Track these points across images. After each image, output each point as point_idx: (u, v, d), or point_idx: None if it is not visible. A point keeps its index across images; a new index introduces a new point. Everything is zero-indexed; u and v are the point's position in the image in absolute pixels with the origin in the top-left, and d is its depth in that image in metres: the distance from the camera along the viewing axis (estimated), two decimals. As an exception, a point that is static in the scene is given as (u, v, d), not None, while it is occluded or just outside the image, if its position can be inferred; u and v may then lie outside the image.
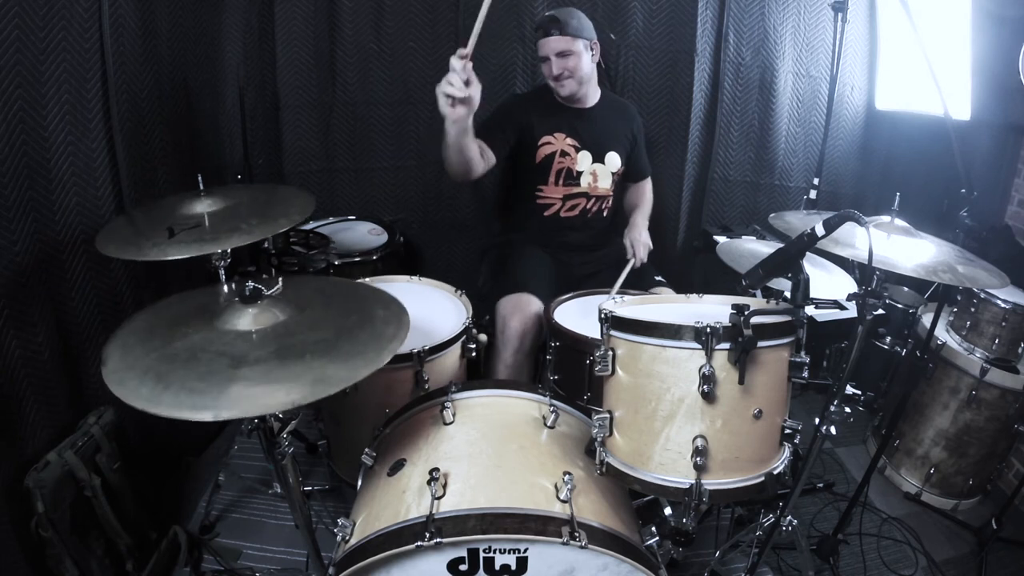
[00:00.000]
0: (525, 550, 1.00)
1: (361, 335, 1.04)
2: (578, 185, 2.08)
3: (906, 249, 1.29)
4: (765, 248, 1.90)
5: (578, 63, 1.94)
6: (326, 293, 1.20)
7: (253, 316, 1.02)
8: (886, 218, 1.39)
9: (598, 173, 2.09)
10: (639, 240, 2.04)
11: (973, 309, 1.91)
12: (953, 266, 1.25)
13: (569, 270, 2.11)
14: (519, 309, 1.82)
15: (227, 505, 1.87)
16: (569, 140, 2.04)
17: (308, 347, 0.98)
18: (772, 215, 1.53)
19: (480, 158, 1.83)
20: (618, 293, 1.82)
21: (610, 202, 2.16)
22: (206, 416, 0.83)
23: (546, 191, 2.08)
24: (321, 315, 1.09)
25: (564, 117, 2.05)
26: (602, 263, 2.14)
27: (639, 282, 1.98)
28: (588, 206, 2.12)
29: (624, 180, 2.24)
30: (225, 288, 1.09)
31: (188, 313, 1.07)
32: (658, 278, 2.04)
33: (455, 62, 1.42)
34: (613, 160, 2.11)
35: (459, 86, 1.42)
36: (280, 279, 1.11)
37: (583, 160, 2.06)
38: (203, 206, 1.43)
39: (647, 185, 2.32)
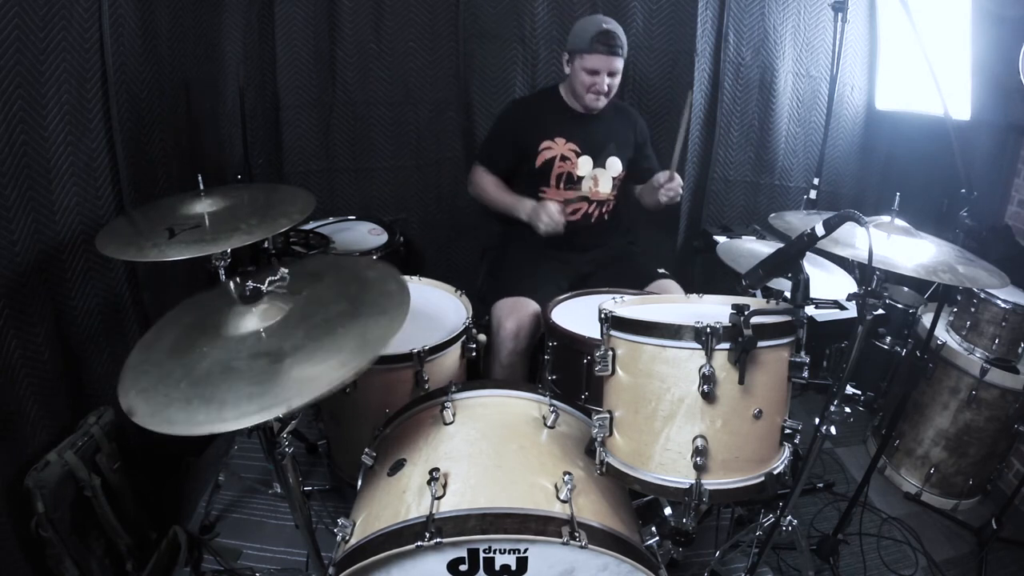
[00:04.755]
0: (525, 550, 1.00)
1: (371, 296, 1.06)
2: (579, 189, 2.08)
3: (906, 249, 1.29)
4: (765, 248, 1.90)
5: (617, 82, 1.97)
6: (312, 272, 1.19)
7: (259, 315, 1.02)
8: (886, 218, 1.39)
9: (599, 178, 2.09)
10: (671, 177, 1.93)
11: (973, 309, 1.91)
12: (953, 266, 1.25)
13: (570, 268, 2.11)
14: (514, 311, 1.82)
15: (227, 505, 1.87)
16: (569, 145, 2.04)
17: (335, 321, 0.99)
18: (772, 215, 1.53)
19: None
20: (617, 294, 1.81)
21: (611, 206, 2.16)
22: (280, 411, 0.84)
23: (548, 193, 2.08)
24: (322, 293, 1.09)
25: (565, 122, 2.05)
26: (603, 263, 2.14)
27: (642, 274, 1.98)
28: (589, 210, 2.12)
29: (634, 182, 2.22)
30: (230, 291, 1.07)
31: (187, 335, 1.04)
32: (661, 271, 2.03)
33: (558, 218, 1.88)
34: (614, 164, 2.11)
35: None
36: (281, 269, 1.09)
37: (584, 165, 2.06)
38: (203, 206, 1.43)
39: None
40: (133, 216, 1.55)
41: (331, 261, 1.35)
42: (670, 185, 1.93)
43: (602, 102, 1.99)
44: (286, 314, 1.02)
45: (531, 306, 1.84)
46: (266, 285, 1.04)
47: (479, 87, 2.54)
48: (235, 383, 0.89)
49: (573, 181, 2.07)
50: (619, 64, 1.94)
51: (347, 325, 0.99)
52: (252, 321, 1.01)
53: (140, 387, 0.94)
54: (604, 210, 2.15)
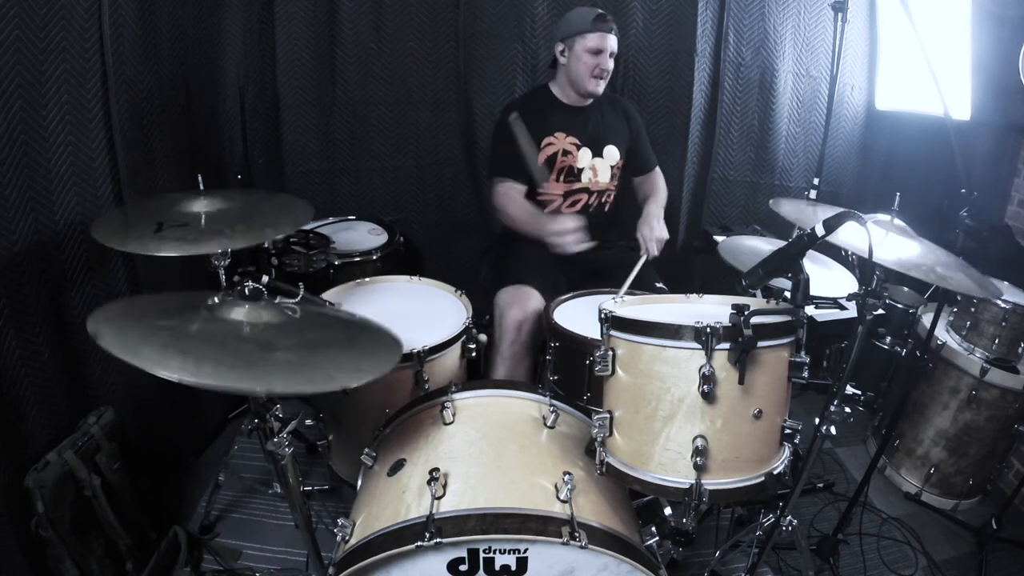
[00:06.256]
0: (525, 550, 0.99)
1: (366, 337, 1.05)
2: (579, 181, 2.09)
3: (896, 247, 1.29)
4: (765, 247, 1.90)
5: (612, 67, 2.00)
6: (306, 312, 1.19)
7: (252, 312, 1.01)
8: (885, 217, 1.39)
9: (597, 167, 2.10)
10: (651, 236, 1.97)
11: (973, 309, 1.91)
12: (933, 268, 1.24)
13: (572, 268, 2.10)
14: (517, 300, 1.82)
15: (227, 505, 1.87)
16: (570, 139, 2.05)
17: (330, 340, 0.99)
18: (772, 200, 1.53)
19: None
20: (617, 295, 1.81)
21: (611, 196, 2.16)
22: (260, 388, 0.83)
23: (547, 188, 2.08)
24: (320, 321, 1.09)
25: (562, 116, 2.06)
26: (604, 263, 2.13)
27: (640, 285, 1.98)
28: (589, 201, 2.12)
29: (629, 174, 2.24)
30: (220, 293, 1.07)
31: (177, 307, 1.03)
32: (659, 284, 2.03)
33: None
34: (611, 153, 2.12)
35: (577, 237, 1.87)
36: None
37: (583, 156, 2.07)
38: (200, 206, 1.42)
39: (657, 176, 2.30)
40: (129, 208, 1.56)
41: (328, 314, 1.36)
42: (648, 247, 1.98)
43: (602, 86, 2.01)
44: (277, 321, 1.02)
45: (534, 296, 1.84)
46: (280, 301, 1.04)
47: (479, 87, 2.54)
48: (219, 352, 0.88)
49: (574, 174, 2.08)
50: (616, 46, 1.97)
51: (341, 348, 0.99)
52: (241, 315, 1.00)
53: (116, 322, 0.91)
54: (604, 200, 2.15)
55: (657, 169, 2.31)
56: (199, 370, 0.81)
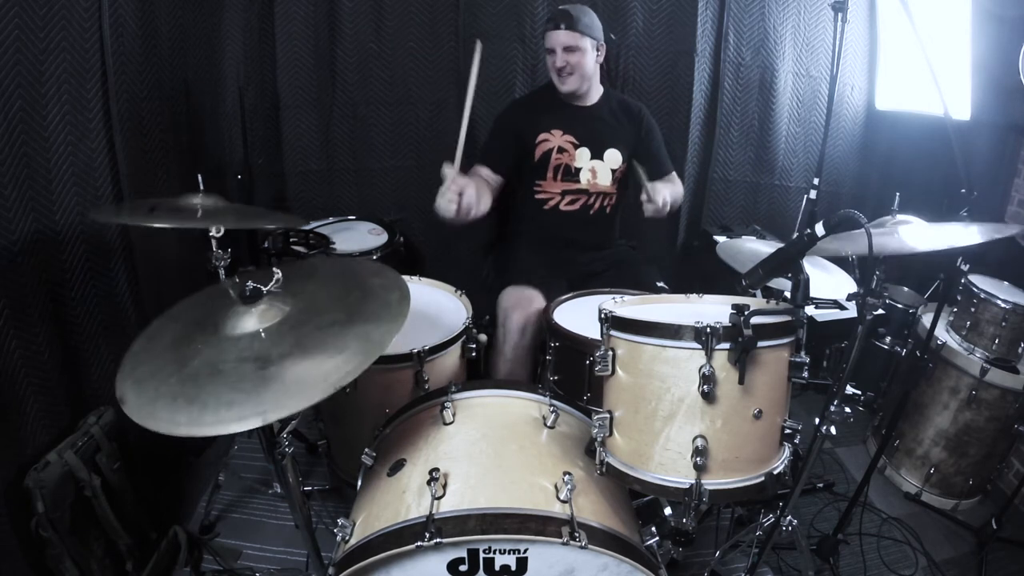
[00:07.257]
0: (525, 550, 0.99)
1: (369, 308, 1.05)
2: (577, 181, 2.09)
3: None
4: (765, 248, 1.90)
5: (582, 60, 1.97)
6: (317, 275, 1.19)
7: (258, 315, 1.01)
8: (887, 219, 1.40)
9: (597, 170, 2.09)
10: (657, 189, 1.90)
11: (973, 309, 1.91)
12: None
13: (573, 268, 2.10)
14: (521, 303, 1.82)
15: (227, 505, 1.87)
16: (567, 137, 2.05)
17: (324, 332, 0.99)
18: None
19: (488, 200, 1.94)
20: (617, 295, 1.81)
21: (613, 199, 2.15)
22: (254, 423, 0.84)
23: (544, 186, 2.08)
24: (323, 298, 1.09)
25: (562, 114, 2.06)
26: (606, 262, 2.14)
27: (642, 284, 1.99)
28: (589, 202, 2.12)
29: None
30: (226, 292, 1.07)
31: (188, 330, 1.05)
32: (660, 284, 2.03)
33: (446, 171, 1.72)
34: (613, 157, 2.10)
35: (451, 197, 1.75)
36: (277, 272, 1.07)
37: (581, 156, 2.07)
38: (197, 201, 1.42)
39: (674, 179, 2.22)
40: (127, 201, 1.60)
41: (337, 264, 1.35)
42: (647, 205, 1.90)
43: (568, 84, 2.00)
44: (285, 315, 1.02)
45: (537, 299, 1.84)
46: (266, 289, 1.04)
47: (479, 87, 2.52)
48: (218, 387, 0.89)
49: (571, 173, 2.08)
50: (571, 39, 1.94)
51: (337, 337, 0.99)
52: (251, 321, 1.00)
53: (136, 376, 0.94)
54: (605, 203, 2.14)
55: (674, 174, 2.23)
56: (201, 419, 0.84)
